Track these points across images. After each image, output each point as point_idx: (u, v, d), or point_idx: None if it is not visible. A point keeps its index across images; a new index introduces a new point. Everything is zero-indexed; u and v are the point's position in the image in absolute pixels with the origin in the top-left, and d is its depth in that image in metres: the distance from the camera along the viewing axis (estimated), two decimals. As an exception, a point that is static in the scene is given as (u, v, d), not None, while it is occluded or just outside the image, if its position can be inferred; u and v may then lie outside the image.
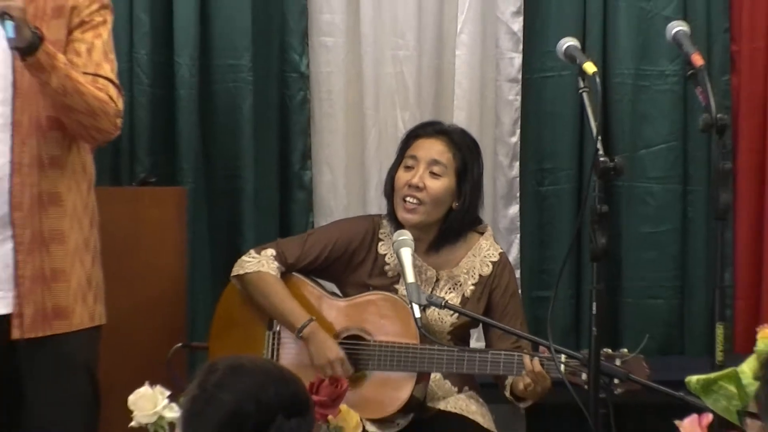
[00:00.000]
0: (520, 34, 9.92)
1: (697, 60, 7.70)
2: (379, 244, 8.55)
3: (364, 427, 7.47)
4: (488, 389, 8.76)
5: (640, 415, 8.46)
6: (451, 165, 8.46)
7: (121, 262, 8.16)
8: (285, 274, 8.49)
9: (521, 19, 9.89)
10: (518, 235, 10.02)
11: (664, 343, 9.73)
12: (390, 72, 9.98)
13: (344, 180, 10.02)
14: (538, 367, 7.87)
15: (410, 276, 7.71)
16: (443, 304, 7.77)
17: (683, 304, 9.96)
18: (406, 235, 7.95)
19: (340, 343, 8.35)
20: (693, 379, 6.14)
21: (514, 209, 10.01)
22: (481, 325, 8.70)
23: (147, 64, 9.57)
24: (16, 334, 7.24)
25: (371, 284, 8.47)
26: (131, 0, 9.38)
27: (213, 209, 9.81)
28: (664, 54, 9.61)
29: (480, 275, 8.51)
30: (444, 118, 9.44)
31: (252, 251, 8.61)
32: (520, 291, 9.23)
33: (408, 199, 8.37)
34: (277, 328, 8.51)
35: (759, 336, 6.10)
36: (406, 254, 7.82)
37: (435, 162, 8.40)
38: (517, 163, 10.01)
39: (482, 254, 8.58)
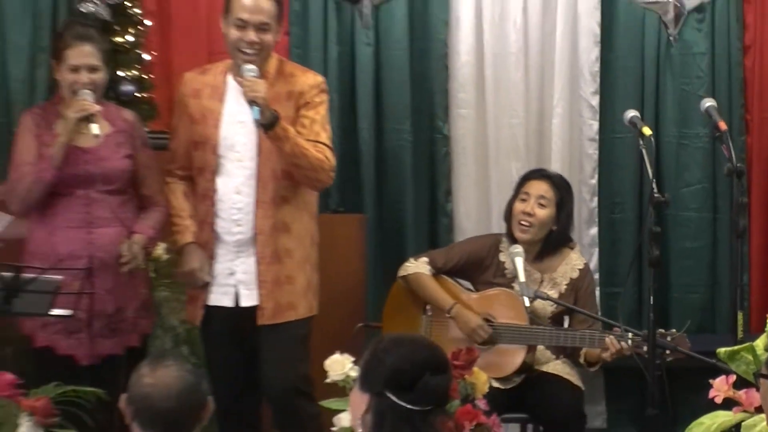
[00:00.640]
0: (597, 107, 10.43)
1: (722, 126, 8.40)
2: (500, 254, 8.94)
3: (490, 384, 7.62)
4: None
5: (683, 376, 8.60)
6: (552, 199, 8.87)
7: (322, 268, 8.41)
8: (435, 275, 8.92)
9: (598, 96, 10.39)
10: (597, 249, 10.51)
11: (700, 325, 10.13)
12: (506, 134, 10.42)
13: (475, 210, 10.43)
14: (617, 345, 8.30)
15: (522, 277, 8.39)
16: (545, 297, 8.50)
17: (714, 298, 10.49)
18: (519, 248, 8.56)
19: (474, 324, 9.03)
20: (722, 350, 7.05)
21: (594, 230, 10.53)
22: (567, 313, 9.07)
23: (337, 129, 9.62)
24: (261, 320, 7.99)
25: (494, 282, 8.89)
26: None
27: (384, 230, 10.35)
28: (699, 121, 10.05)
29: (571, 278, 8.95)
30: (545, 167, 9.84)
31: (411, 259, 9.09)
32: (597, 288, 9.76)
33: (522, 222, 8.77)
34: (429, 313, 8.96)
35: (768, 321, 7.09)
36: (519, 262, 8.46)
37: (542, 197, 8.82)
38: (596, 198, 10.53)
39: (572, 263, 9.04)
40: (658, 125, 10.29)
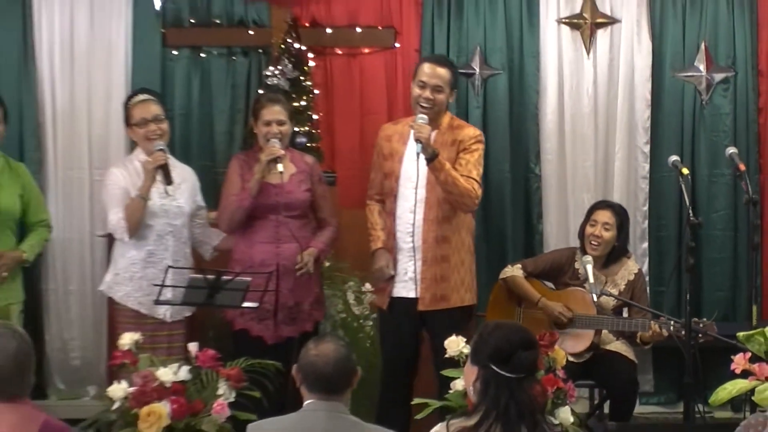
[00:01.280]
0: (648, 153, 10.27)
1: (742, 167, 8.27)
2: (575, 262, 8.87)
3: (567, 358, 7.38)
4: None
5: (712, 353, 8.39)
6: (614, 224, 8.80)
7: None
8: (526, 277, 8.85)
9: (648, 145, 10.23)
10: (647, 259, 10.29)
11: (724, 315, 9.98)
12: (580, 173, 10.31)
13: (557, 229, 10.28)
14: (658, 329, 8.36)
15: (591, 279, 8.45)
16: (609, 294, 8.57)
17: (735, 295, 10.31)
18: (589, 258, 8.60)
19: (556, 312, 8.79)
20: (741, 334, 6.97)
21: (645, 245, 10.33)
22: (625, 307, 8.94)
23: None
24: (420, 308, 8.01)
25: (571, 283, 8.85)
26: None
27: (490, 243, 10.09)
28: (724, 164, 9.85)
29: (628, 280, 8.88)
30: (609, 198, 9.87)
31: (509, 265, 9.04)
32: (648, 288, 9.45)
33: (592, 242, 8.74)
34: (522, 306, 8.89)
35: (777, 312, 7.00)
36: (589, 268, 8.51)
37: (606, 223, 8.76)
38: (647, 221, 10.33)
39: (629, 269, 8.94)
40: (694, 166, 10.14)
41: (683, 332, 8.01)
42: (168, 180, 8.01)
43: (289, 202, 8.19)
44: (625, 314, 8.92)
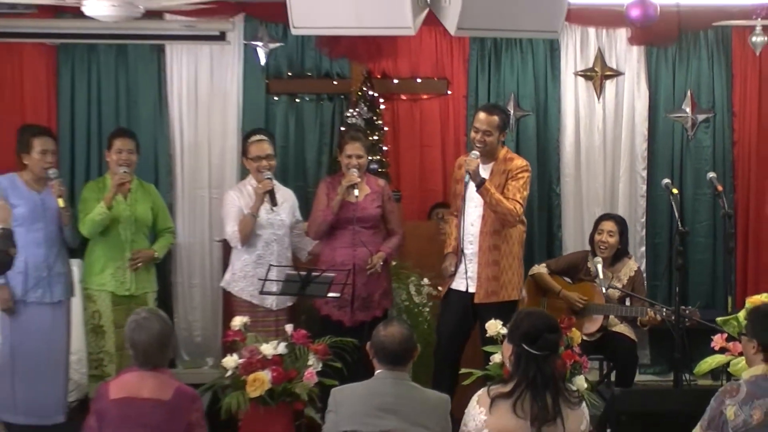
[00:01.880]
0: (645, 177, 10.17)
1: (720, 188, 8.30)
2: (588, 262, 8.76)
3: (581, 338, 7.43)
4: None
5: (696, 334, 8.30)
6: (616, 231, 8.81)
7: None
8: (549, 274, 8.84)
9: (646, 171, 10.11)
10: (645, 259, 10.16)
11: (706, 304, 9.79)
12: (592, 193, 10.23)
13: (573, 236, 10.11)
14: (653, 314, 8.36)
15: (601, 275, 8.43)
16: (614, 287, 8.54)
17: (714, 288, 10.20)
18: (599, 259, 8.58)
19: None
20: (719, 319, 6.96)
21: (643, 248, 10.23)
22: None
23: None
24: (476, 300, 7.88)
25: (584, 279, 8.76)
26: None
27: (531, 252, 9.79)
28: (706, 185, 9.64)
29: (629, 276, 8.85)
30: (614, 212, 9.67)
31: (536, 264, 9.01)
32: (645, 282, 9.46)
33: (600, 246, 8.74)
34: (546, 297, 8.80)
35: (747, 301, 6.76)
36: (599, 267, 8.48)
37: (610, 231, 8.78)
38: (644, 230, 10.23)
39: (630, 267, 8.92)
40: (682, 187, 10.08)
41: (673, 317, 7.95)
42: (273, 201, 8.10)
43: (362, 217, 8.13)
44: (627, 303, 8.79)
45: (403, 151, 10.06)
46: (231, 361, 6.86)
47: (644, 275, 9.71)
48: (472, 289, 8.00)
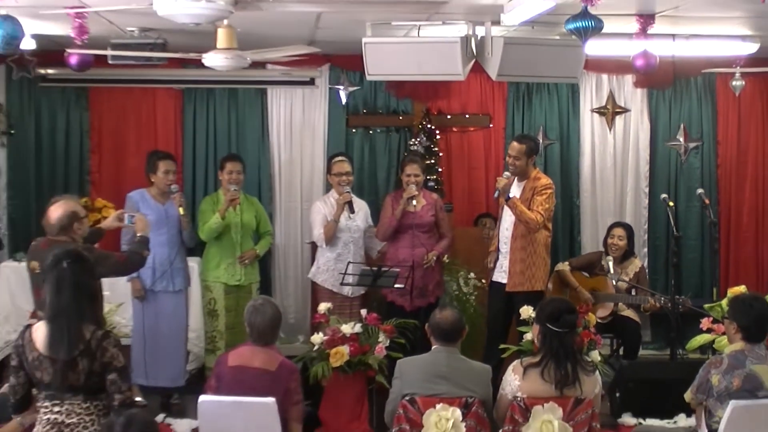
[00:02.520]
0: (648, 192, 10.03)
1: (707, 201, 8.34)
2: (602, 260, 8.63)
3: (596, 320, 7.42)
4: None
5: (688, 317, 8.07)
6: (625, 236, 8.70)
7: None
8: (571, 270, 8.71)
9: (648, 187, 9.97)
10: (647, 258, 9.99)
11: (695, 294, 9.51)
12: (606, 205, 10.07)
13: (591, 239, 9.93)
14: (654, 302, 8.28)
15: (612, 271, 8.43)
16: (623, 280, 8.47)
17: (702, 281, 10.04)
18: (610, 258, 8.54)
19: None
20: (706, 305, 6.95)
21: (645, 249, 10.05)
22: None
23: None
24: (508, 289, 7.84)
25: (599, 273, 8.65)
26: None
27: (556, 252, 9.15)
28: (695, 199, 9.58)
29: (635, 272, 8.69)
30: (622, 220, 9.53)
31: (560, 263, 8.87)
32: (648, 276, 9.26)
33: (612, 248, 8.64)
34: (568, 288, 8.63)
35: (729, 292, 6.68)
36: (611, 264, 8.46)
37: (620, 236, 8.68)
38: (647, 234, 10.06)
39: (636, 265, 8.78)
40: (677, 201, 9.92)
41: (670, 304, 8.00)
42: (351, 210, 8.12)
43: (419, 223, 8.14)
44: (633, 293, 8.63)
45: (455, 172, 9.97)
46: (317, 338, 6.92)
47: (647, 271, 9.54)
48: (505, 280, 7.96)
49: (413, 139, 9.64)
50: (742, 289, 6.80)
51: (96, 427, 4.47)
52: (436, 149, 9.67)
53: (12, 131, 9.44)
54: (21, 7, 5.78)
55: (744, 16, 7.36)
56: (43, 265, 5.56)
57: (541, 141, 9.92)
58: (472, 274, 8.70)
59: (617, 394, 7.46)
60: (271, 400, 5.28)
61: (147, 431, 3.98)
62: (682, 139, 10.18)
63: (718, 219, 9.88)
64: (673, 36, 8.14)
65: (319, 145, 9.90)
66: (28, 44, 7.60)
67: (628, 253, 8.91)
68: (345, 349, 6.74)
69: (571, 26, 5.82)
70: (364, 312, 7.17)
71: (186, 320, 8.15)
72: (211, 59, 6.59)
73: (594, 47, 7.64)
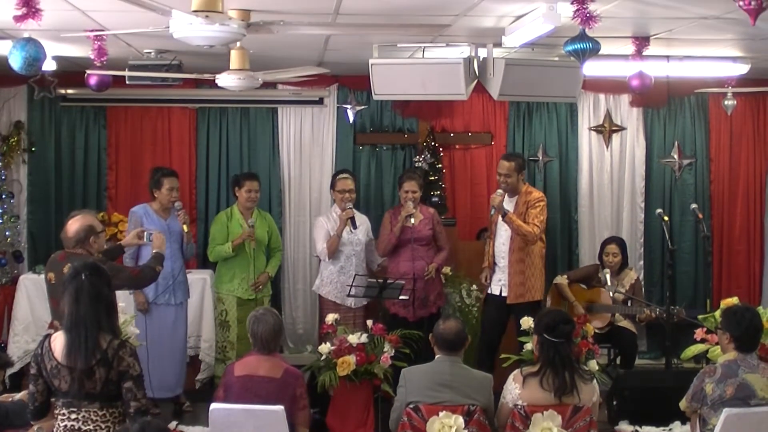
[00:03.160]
0: (644, 208, 10.04)
1: (700, 216, 8.23)
2: (599, 273, 8.56)
3: (594, 330, 7.23)
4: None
5: (682, 328, 8.03)
6: (619, 252, 8.75)
7: None
8: (569, 283, 8.67)
9: (644, 203, 9.98)
10: (643, 271, 9.98)
11: (689, 304, 9.43)
12: (603, 220, 10.07)
13: (588, 253, 9.87)
14: (649, 312, 8.28)
15: (609, 283, 8.35)
16: (619, 292, 8.48)
17: (696, 293, 10.00)
18: (607, 270, 8.46)
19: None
20: (700, 316, 6.84)
21: (641, 262, 10.05)
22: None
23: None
24: (508, 301, 7.82)
25: (596, 285, 8.60)
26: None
27: (548, 263, 8.80)
28: (689, 213, 9.60)
29: (630, 283, 8.72)
30: (618, 235, 9.68)
31: (558, 275, 8.85)
32: (643, 288, 9.33)
33: (608, 264, 8.65)
34: (566, 301, 8.58)
35: (722, 303, 6.62)
36: (607, 276, 8.37)
37: (614, 252, 8.71)
38: (642, 248, 10.04)
39: (631, 276, 8.79)
40: (671, 215, 9.99)
41: (665, 315, 7.95)
42: (353, 225, 8.13)
43: (418, 237, 8.16)
44: (629, 304, 8.65)
45: (458, 187, 9.97)
46: (325, 347, 6.89)
47: (642, 282, 9.59)
48: (504, 293, 7.93)
49: (418, 157, 9.63)
50: (734, 300, 6.71)
51: (112, 433, 4.47)
52: (440, 166, 9.67)
53: (33, 149, 9.55)
54: (43, 30, 5.81)
55: (735, 39, 7.38)
56: (58, 276, 5.69)
57: (540, 158, 10.00)
58: (474, 286, 8.62)
59: (614, 402, 7.43)
60: (280, 408, 5.27)
61: (161, 438, 3.97)
62: (676, 156, 10.21)
63: (711, 233, 9.87)
64: (668, 57, 8.19)
65: (327, 161, 9.91)
66: (49, 65, 7.71)
67: (623, 266, 8.93)
68: (352, 359, 6.72)
69: (570, 48, 5.85)
70: (370, 322, 7.11)
71: (186, 332, 8.14)
72: (224, 80, 6.61)
73: (592, 68, 7.71)
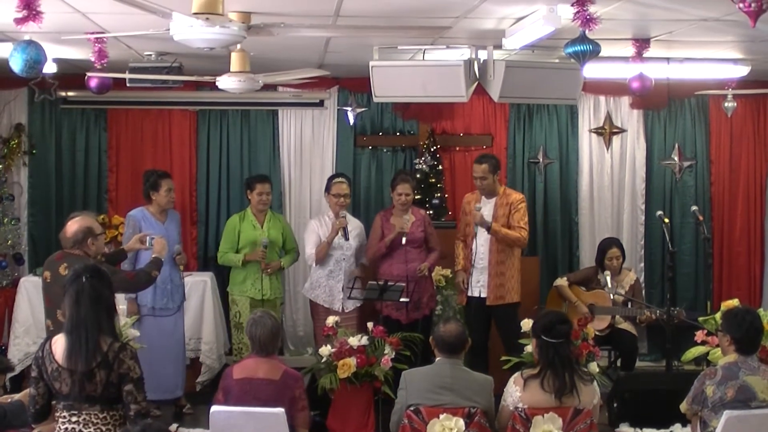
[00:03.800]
0: (644, 210, 10.03)
1: (700, 218, 8.22)
2: (598, 275, 8.53)
3: (594, 333, 7.12)
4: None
5: (683, 330, 7.95)
6: (620, 257, 8.71)
7: (523, 282, 8.18)
8: (569, 285, 8.69)
9: (644, 205, 9.95)
10: (643, 273, 9.98)
11: (690, 306, 9.33)
12: (603, 222, 10.06)
13: (589, 255, 9.75)
14: (650, 314, 8.33)
15: (609, 285, 8.28)
16: (619, 293, 8.46)
17: (696, 295, 9.97)
18: (608, 272, 8.37)
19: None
20: (700, 318, 6.82)
21: (642, 264, 10.05)
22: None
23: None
24: (488, 302, 7.89)
25: (595, 288, 8.60)
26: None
27: (548, 265, 9.85)
28: (690, 215, 9.51)
29: (630, 284, 8.70)
30: (619, 237, 9.68)
31: (559, 277, 8.90)
32: (643, 289, 9.44)
33: (611, 268, 8.57)
34: (566, 302, 8.62)
35: (722, 305, 6.66)
36: (608, 278, 8.30)
37: (617, 256, 8.65)
38: (643, 249, 10.04)
39: (630, 278, 8.78)
40: (672, 217, 9.97)
41: (665, 317, 7.92)
42: (345, 236, 8.09)
43: (411, 240, 8.09)
44: (629, 306, 8.63)
45: (458, 189, 9.91)
46: (325, 350, 6.86)
47: (642, 284, 9.62)
48: (484, 295, 7.98)
49: (418, 159, 9.64)
50: (735, 302, 6.73)
51: (112, 436, 4.46)
52: (441, 168, 9.68)
53: (34, 151, 9.58)
54: (44, 33, 5.83)
55: (735, 41, 7.39)
56: (54, 275, 5.79)
57: (541, 160, 10.03)
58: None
59: (615, 405, 7.40)
60: (280, 410, 5.27)
61: (162, 441, 3.97)
62: (676, 158, 10.20)
63: (711, 235, 9.86)
64: (668, 59, 8.21)
65: (328, 164, 9.91)
66: (49, 68, 7.70)
67: (622, 267, 8.93)
68: (352, 361, 6.71)
69: (570, 50, 5.87)
70: (370, 325, 7.11)
71: (183, 334, 8.16)
72: (224, 82, 6.62)
73: (592, 70, 7.73)
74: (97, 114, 9.68)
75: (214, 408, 5.41)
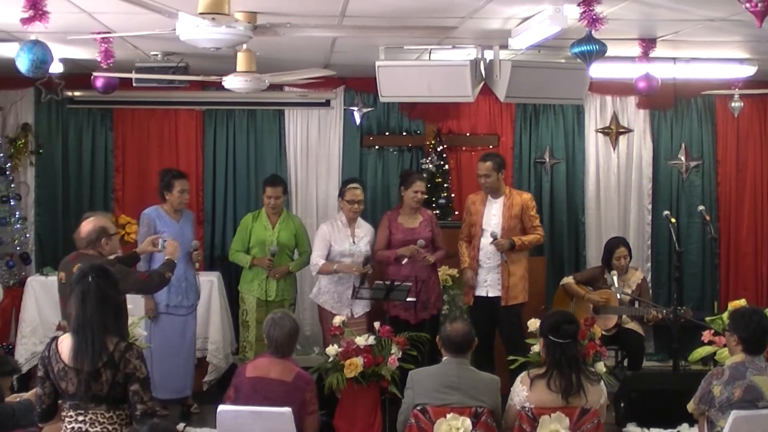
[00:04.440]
0: (651, 210, 10.02)
1: (707, 218, 8.19)
2: (605, 274, 8.54)
3: (601, 332, 7.23)
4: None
5: (690, 329, 8.09)
6: (627, 256, 8.64)
7: (531, 282, 8.17)
8: (576, 284, 8.60)
9: (651, 205, 9.96)
10: (650, 272, 9.99)
11: (697, 306, 9.45)
12: (610, 222, 10.08)
13: (596, 254, 9.77)
14: (656, 314, 8.28)
15: (616, 284, 8.30)
16: (626, 293, 8.39)
17: (703, 295, 10.01)
18: (615, 272, 8.39)
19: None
20: (707, 318, 6.93)
21: (649, 264, 10.05)
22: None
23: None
24: (502, 303, 7.88)
25: (602, 287, 8.55)
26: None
27: (554, 264, 9.84)
28: (696, 215, 9.38)
29: (637, 284, 8.63)
30: (625, 236, 9.58)
31: (565, 277, 8.85)
32: (650, 289, 9.36)
33: (619, 267, 8.54)
34: (573, 301, 8.59)
35: (729, 305, 6.69)
36: (615, 278, 8.34)
37: (625, 255, 8.59)
38: (650, 249, 10.03)
39: (637, 277, 8.74)
40: (678, 217, 9.94)
41: (672, 316, 7.90)
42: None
43: (419, 239, 8.00)
44: (636, 305, 8.57)
45: (464, 188, 9.83)
46: (332, 349, 6.86)
47: (649, 284, 9.57)
48: (491, 294, 7.96)
49: (425, 159, 9.66)
50: (742, 302, 6.78)
51: (119, 436, 4.48)
52: (447, 168, 9.69)
53: (40, 151, 9.61)
54: (50, 33, 5.88)
55: (742, 41, 7.40)
56: (68, 275, 5.73)
57: (547, 160, 10.03)
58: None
59: (622, 404, 7.44)
60: (287, 409, 5.26)
61: (168, 440, 3.96)
62: (683, 158, 10.20)
63: (718, 235, 9.86)
64: (674, 59, 8.23)
65: (334, 164, 9.93)
66: (56, 68, 7.66)
67: (629, 267, 8.89)
68: (359, 361, 6.71)
69: (577, 50, 5.88)
70: (377, 325, 7.10)
71: (194, 334, 8.15)
72: (231, 82, 6.63)
73: (598, 70, 7.78)
74: (104, 114, 9.70)
75: (221, 407, 5.42)
